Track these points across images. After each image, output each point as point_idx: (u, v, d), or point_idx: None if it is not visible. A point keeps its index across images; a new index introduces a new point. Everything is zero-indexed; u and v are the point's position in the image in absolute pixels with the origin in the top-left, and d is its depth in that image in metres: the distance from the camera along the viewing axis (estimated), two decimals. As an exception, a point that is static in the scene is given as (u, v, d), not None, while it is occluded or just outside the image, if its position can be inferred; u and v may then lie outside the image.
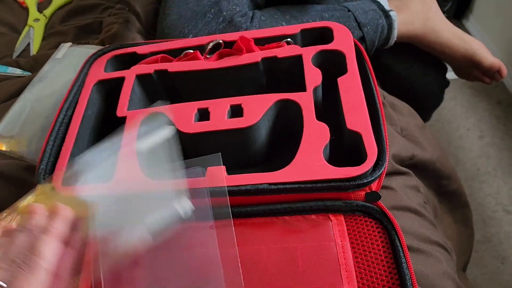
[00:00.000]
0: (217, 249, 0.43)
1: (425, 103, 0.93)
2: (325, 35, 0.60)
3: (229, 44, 0.61)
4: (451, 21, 0.82)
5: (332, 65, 0.56)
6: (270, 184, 0.45)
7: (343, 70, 0.54)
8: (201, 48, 0.61)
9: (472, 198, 1.27)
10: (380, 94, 0.54)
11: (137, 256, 0.44)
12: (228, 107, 0.52)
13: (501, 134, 1.43)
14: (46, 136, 0.56)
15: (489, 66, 0.79)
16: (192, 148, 0.54)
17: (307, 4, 0.76)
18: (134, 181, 0.49)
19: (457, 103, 1.55)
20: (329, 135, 0.48)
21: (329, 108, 0.55)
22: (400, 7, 0.77)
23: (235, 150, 0.53)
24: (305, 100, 0.51)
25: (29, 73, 0.81)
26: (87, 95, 0.59)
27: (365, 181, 0.44)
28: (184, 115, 0.53)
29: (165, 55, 0.62)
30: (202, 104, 0.53)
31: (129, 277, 0.44)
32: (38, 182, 0.50)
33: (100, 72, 0.62)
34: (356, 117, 0.49)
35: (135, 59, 0.63)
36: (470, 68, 0.82)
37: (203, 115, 0.53)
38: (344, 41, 0.58)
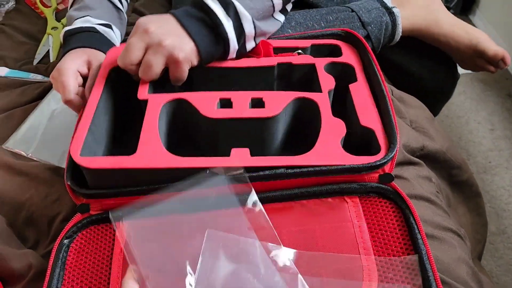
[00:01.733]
0: (254, 232, 0.45)
1: (436, 97, 0.94)
2: (333, 49, 0.64)
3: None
4: (458, 17, 0.84)
5: (341, 75, 0.60)
6: (287, 168, 0.47)
7: (352, 79, 0.59)
8: None
9: (485, 191, 1.28)
10: (388, 87, 0.57)
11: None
12: (250, 99, 0.54)
13: (512, 126, 1.44)
14: (68, 141, 0.57)
15: (493, 55, 0.81)
16: (211, 135, 0.55)
17: (310, 8, 0.79)
18: (156, 156, 0.49)
19: (467, 97, 1.55)
20: (345, 129, 0.51)
21: (338, 111, 0.58)
22: (403, 2, 0.80)
23: (252, 142, 0.55)
24: (322, 99, 0.54)
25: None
26: (104, 79, 0.59)
27: (378, 163, 0.46)
28: (207, 101, 0.54)
29: None
30: (224, 94, 0.55)
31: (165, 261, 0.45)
32: (67, 181, 0.52)
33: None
34: (368, 115, 0.53)
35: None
36: (474, 58, 0.83)
37: (225, 105, 0.55)
38: (352, 55, 0.62)
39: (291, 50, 0.64)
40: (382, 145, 0.49)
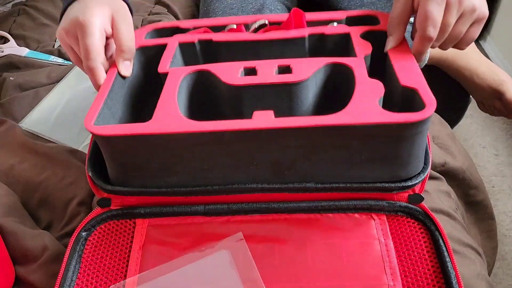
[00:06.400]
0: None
1: (446, 119, 0.94)
2: (370, 20, 0.59)
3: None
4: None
5: (381, 45, 0.54)
6: (317, 183, 0.46)
7: None
8: (246, 27, 0.60)
9: (487, 216, 1.28)
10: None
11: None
12: (276, 67, 0.50)
13: (516, 153, 1.44)
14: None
15: (510, 99, 0.79)
16: (234, 106, 0.51)
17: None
18: (173, 121, 0.46)
19: (473, 121, 1.55)
20: (384, 89, 0.46)
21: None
22: None
23: (279, 112, 0.47)
24: (357, 64, 0.49)
25: (70, 63, 0.84)
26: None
27: (410, 183, 0.45)
28: (230, 70, 0.50)
29: (208, 29, 0.60)
30: (249, 63, 0.51)
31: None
32: (88, 173, 0.50)
33: (140, 39, 0.59)
34: (409, 74, 0.47)
35: (177, 33, 0.61)
36: (494, 100, 0.82)
37: (250, 73, 0.51)
38: None
39: (325, 23, 0.59)
40: (428, 103, 0.42)
